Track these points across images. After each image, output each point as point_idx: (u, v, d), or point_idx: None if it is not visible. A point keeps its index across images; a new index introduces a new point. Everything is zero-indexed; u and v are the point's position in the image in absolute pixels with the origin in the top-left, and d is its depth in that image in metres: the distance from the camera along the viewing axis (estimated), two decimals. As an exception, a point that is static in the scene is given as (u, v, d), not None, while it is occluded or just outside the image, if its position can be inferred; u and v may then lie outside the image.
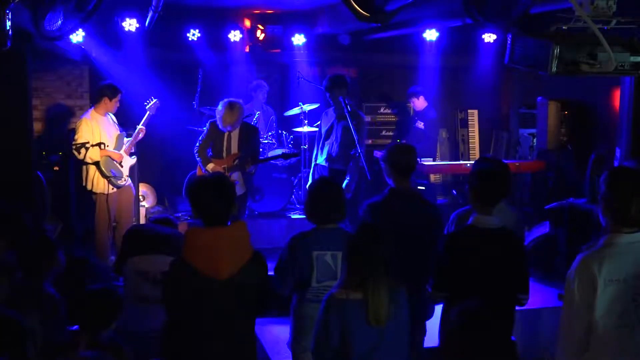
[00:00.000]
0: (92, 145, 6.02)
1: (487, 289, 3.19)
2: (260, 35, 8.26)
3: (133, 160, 6.53)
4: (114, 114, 6.40)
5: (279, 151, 7.59)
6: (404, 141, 8.05)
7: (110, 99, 6.17)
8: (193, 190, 3.00)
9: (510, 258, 3.25)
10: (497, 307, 3.15)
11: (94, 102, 6.24)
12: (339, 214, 3.49)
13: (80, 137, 6.01)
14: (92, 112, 6.20)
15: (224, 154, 6.03)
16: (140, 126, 6.46)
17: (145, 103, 6.59)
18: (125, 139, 6.41)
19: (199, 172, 6.20)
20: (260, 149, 6.75)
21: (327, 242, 3.40)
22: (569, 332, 2.72)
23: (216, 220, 2.93)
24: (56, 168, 7.68)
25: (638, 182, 2.65)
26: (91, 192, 6.22)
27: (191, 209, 3.04)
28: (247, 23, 8.20)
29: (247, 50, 8.22)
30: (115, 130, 6.34)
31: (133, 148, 6.50)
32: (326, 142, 6.40)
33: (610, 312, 2.63)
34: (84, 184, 6.22)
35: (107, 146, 6.18)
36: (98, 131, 6.11)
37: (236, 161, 5.98)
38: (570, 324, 2.70)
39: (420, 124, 7.82)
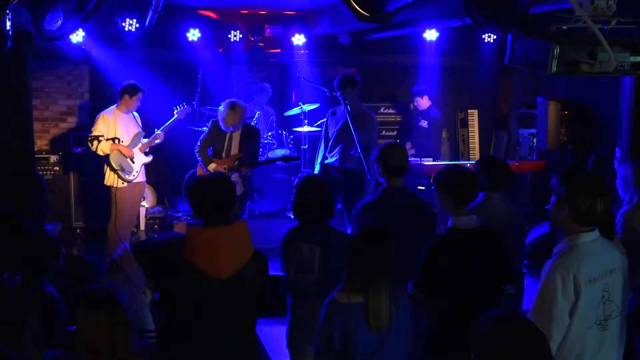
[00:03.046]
0: (106, 139, 6.29)
1: (471, 289, 3.19)
2: (260, 35, 8.26)
3: (148, 158, 6.66)
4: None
5: (279, 152, 7.59)
6: (408, 142, 8.06)
7: (131, 97, 6.40)
8: (193, 190, 2.99)
9: (492, 255, 3.25)
10: (481, 305, 3.14)
11: (117, 100, 6.48)
12: (328, 213, 3.51)
13: (96, 130, 6.32)
14: (113, 109, 6.45)
15: (224, 154, 6.03)
16: (158, 131, 6.66)
17: (175, 108, 6.76)
18: (144, 140, 6.61)
19: (199, 171, 6.22)
20: (260, 149, 6.75)
21: (307, 236, 3.46)
22: (548, 336, 2.60)
23: (216, 219, 2.93)
24: (56, 168, 7.70)
25: (597, 183, 2.67)
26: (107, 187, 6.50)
27: (191, 209, 3.03)
28: (248, 24, 8.20)
29: (247, 50, 8.22)
30: (135, 129, 6.54)
31: (148, 148, 6.64)
32: (338, 142, 6.26)
33: (588, 311, 2.64)
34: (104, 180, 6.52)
35: (122, 142, 6.39)
36: (114, 127, 6.36)
37: (236, 162, 5.99)
38: (550, 331, 2.60)
39: (424, 123, 7.82)
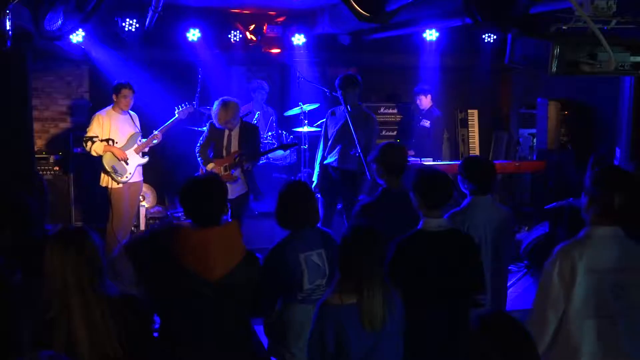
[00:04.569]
0: (101, 140, 6.32)
1: (442, 293, 3.14)
2: (260, 35, 8.26)
3: (144, 160, 6.64)
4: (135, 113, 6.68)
5: (279, 152, 7.60)
6: (414, 141, 8.05)
7: (117, 96, 6.40)
8: (183, 191, 2.99)
9: (463, 259, 3.20)
10: (453, 309, 3.14)
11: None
12: (316, 215, 3.44)
13: (90, 131, 6.38)
14: (108, 110, 6.48)
15: (224, 153, 6.03)
16: (156, 132, 6.63)
17: (176, 108, 6.75)
18: (143, 140, 6.60)
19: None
20: (261, 149, 6.74)
21: (310, 243, 3.34)
22: (542, 319, 2.75)
23: (207, 220, 2.92)
24: (56, 168, 7.70)
25: (622, 179, 2.76)
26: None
27: (182, 210, 3.02)
28: (249, 27, 8.21)
29: (247, 50, 8.22)
30: (130, 129, 6.54)
31: (147, 148, 6.63)
32: (337, 142, 6.20)
33: (588, 302, 2.69)
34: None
35: (116, 143, 6.40)
36: (108, 127, 6.39)
37: (237, 158, 5.98)
38: (544, 311, 2.74)
39: (426, 123, 7.82)
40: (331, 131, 6.28)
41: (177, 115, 6.71)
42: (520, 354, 1.91)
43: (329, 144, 6.29)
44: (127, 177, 6.44)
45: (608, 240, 2.73)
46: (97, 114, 6.44)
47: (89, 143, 6.31)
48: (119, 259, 4.28)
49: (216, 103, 5.92)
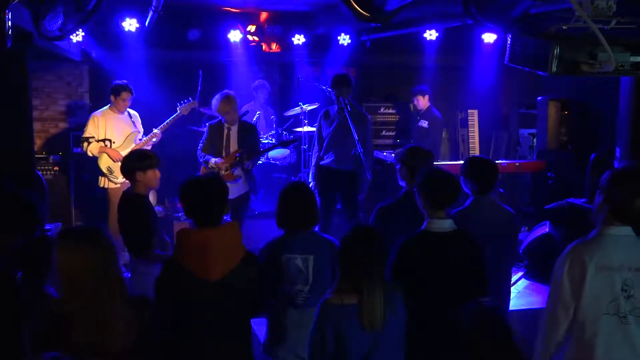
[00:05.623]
0: (97, 141, 6.38)
1: (445, 294, 3.13)
2: (260, 35, 8.26)
3: None
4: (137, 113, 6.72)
5: (279, 152, 7.60)
6: (412, 141, 8.04)
7: (115, 97, 6.42)
8: (184, 191, 2.99)
9: (466, 261, 3.19)
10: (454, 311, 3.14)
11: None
12: (314, 219, 3.43)
13: (86, 132, 6.44)
14: (105, 110, 6.50)
15: (223, 152, 6.03)
16: (155, 130, 6.61)
17: (178, 104, 6.70)
18: (144, 138, 6.60)
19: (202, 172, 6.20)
20: (261, 149, 6.73)
21: (298, 246, 3.32)
22: (553, 318, 2.79)
23: (207, 220, 2.92)
24: (56, 168, 7.70)
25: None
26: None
27: (183, 210, 3.03)
28: (249, 27, 8.21)
29: (247, 50, 8.22)
30: (128, 129, 6.54)
31: (149, 147, 6.58)
32: (332, 143, 6.18)
33: (599, 300, 2.72)
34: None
35: (114, 143, 6.42)
36: (104, 127, 6.42)
37: (238, 156, 5.98)
38: (555, 310, 2.78)
39: (425, 123, 7.82)
40: (326, 132, 6.27)
41: (178, 112, 6.70)
42: (508, 352, 1.93)
43: (324, 145, 6.28)
44: (122, 177, 6.42)
45: (620, 239, 2.74)
46: (93, 114, 6.47)
47: (85, 144, 6.38)
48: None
49: (217, 96, 5.94)
